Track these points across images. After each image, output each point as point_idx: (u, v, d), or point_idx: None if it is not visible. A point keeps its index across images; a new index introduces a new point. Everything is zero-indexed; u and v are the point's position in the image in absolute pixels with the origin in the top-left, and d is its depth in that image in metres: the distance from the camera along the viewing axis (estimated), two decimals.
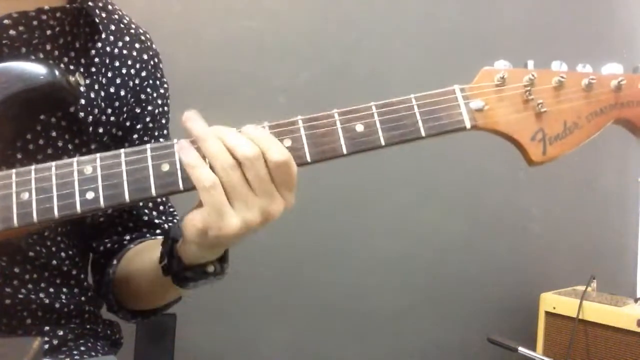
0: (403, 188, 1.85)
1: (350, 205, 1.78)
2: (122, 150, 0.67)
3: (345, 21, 1.79)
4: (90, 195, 0.66)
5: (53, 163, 0.67)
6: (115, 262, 0.91)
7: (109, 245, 0.93)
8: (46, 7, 0.82)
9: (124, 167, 0.66)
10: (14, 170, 0.67)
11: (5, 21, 0.79)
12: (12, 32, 0.79)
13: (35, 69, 0.75)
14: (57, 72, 0.75)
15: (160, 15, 1.55)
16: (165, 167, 0.66)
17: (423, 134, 0.68)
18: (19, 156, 0.80)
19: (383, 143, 0.68)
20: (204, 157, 0.65)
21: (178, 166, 0.66)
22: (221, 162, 0.64)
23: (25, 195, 0.65)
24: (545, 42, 2.11)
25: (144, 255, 0.86)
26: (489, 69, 0.70)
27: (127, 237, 0.93)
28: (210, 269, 0.72)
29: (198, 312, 1.50)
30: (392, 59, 1.86)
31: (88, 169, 0.66)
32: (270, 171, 0.64)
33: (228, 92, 1.62)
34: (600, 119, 0.69)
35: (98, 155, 0.67)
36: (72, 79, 0.75)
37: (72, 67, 0.85)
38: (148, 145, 0.67)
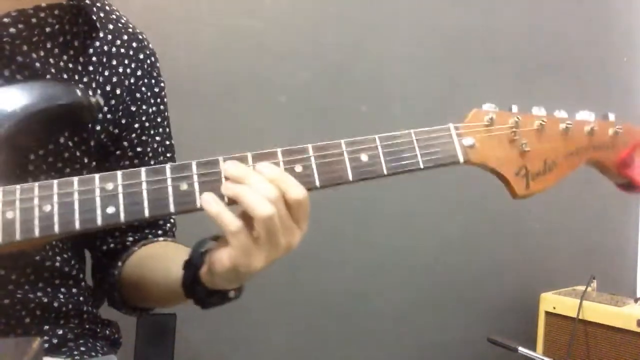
0: (403, 188, 1.84)
1: (350, 205, 1.78)
2: (142, 169, 0.70)
3: (345, 21, 1.79)
4: (111, 210, 0.68)
5: (75, 178, 0.69)
6: (120, 263, 0.92)
7: (112, 245, 0.94)
8: (43, 4, 0.83)
9: (144, 187, 0.69)
10: (37, 184, 0.69)
11: (5, 19, 0.80)
12: (12, 29, 0.80)
13: (58, 89, 0.78)
14: (78, 93, 0.77)
15: (160, 15, 1.55)
16: (184, 187, 0.69)
17: (422, 166, 0.75)
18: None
19: (385, 173, 0.75)
20: (227, 199, 0.68)
21: (196, 187, 0.69)
22: (260, 213, 0.66)
23: (48, 207, 0.67)
24: (545, 46, 2.11)
25: (157, 265, 0.88)
26: (479, 111, 0.78)
27: (130, 238, 0.94)
28: (232, 294, 0.76)
29: (198, 312, 1.50)
30: (392, 60, 1.86)
31: (109, 186, 0.69)
32: (289, 208, 0.68)
33: (228, 92, 1.62)
34: (576, 159, 0.79)
35: (119, 172, 0.69)
36: (92, 99, 0.78)
37: (70, 65, 0.86)
38: (168, 165, 0.70)
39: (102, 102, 0.84)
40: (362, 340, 1.84)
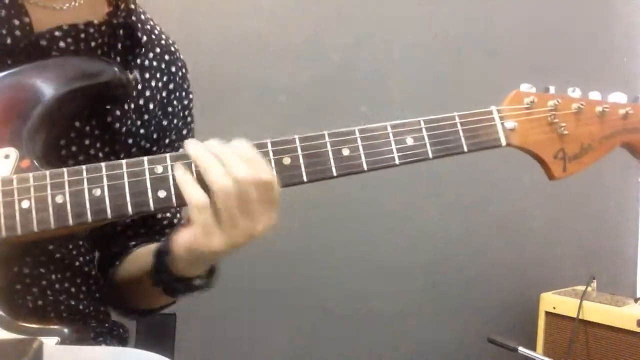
0: (404, 188, 1.84)
1: (350, 206, 1.78)
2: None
3: (345, 21, 1.79)
4: (162, 194, 0.67)
5: (124, 161, 0.68)
6: (117, 262, 0.92)
7: (118, 248, 0.94)
8: (96, 22, 0.82)
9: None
10: (84, 167, 0.67)
11: (57, 33, 0.79)
12: (61, 43, 0.79)
13: (97, 65, 0.77)
14: (117, 69, 0.76)
15: (159, 16, 1.55)
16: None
17: (465, 149, 0.74)
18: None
19: (431, 156, 0.73)
20: (198, 174, 0.67)
21: None
22: (220, 185, 0.65)
23: (97, 192, 0.66)
24: (545, 46, 2.11)
25: (139, 261, 0.88)
26: (519, 92, 0.79)
27: (133, 242, 0.94)
28: (197, 282, 0.75)
29: (198, 312, 1.50)
30: (392, 60, 1.86)
31: (159, 169, 0.68)
32: (256, 190, 0.66)
33: (228, 92, 1.62)
34: (610, 142, 0.79)
35: (167, 155, 0.69)
36: (130, 76, 0.78)
37: None
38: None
39: (139, 78, 0.84)
40: (363, 340, 1.84)
